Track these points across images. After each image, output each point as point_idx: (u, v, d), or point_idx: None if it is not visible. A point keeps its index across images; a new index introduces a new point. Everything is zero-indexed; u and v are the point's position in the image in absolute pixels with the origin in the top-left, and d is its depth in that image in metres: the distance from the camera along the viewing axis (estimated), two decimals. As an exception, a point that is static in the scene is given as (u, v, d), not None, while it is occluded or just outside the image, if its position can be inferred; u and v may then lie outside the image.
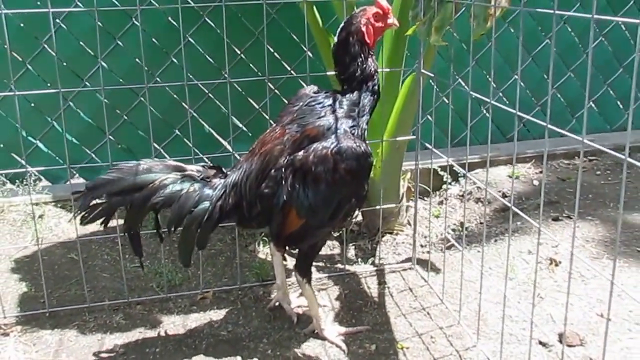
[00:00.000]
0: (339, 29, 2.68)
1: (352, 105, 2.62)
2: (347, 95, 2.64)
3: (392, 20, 2.70)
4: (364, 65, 2.64)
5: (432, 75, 3.20)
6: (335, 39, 2.69)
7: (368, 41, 2.64)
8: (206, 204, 2.61)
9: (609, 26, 4.91)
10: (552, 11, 2.08)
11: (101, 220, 2.62)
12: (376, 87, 2.68)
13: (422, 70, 3.17)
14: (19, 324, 2.97)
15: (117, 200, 2.58)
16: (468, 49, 3.93)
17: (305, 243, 2.72)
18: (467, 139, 3.00)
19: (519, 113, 2.33)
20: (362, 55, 2.63)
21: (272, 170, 2.59)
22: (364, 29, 2.63)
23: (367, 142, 2.77)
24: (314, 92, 2.74)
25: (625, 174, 1.87)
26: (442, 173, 4.16)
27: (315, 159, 2.48)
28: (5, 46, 3.04)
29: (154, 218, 2.72)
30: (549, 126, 2.14)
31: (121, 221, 2.71)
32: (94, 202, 2.59)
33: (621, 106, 5.22)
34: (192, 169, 2.70)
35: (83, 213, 2.59)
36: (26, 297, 3.17)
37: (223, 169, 2.77)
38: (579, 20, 4.81)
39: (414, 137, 3.36)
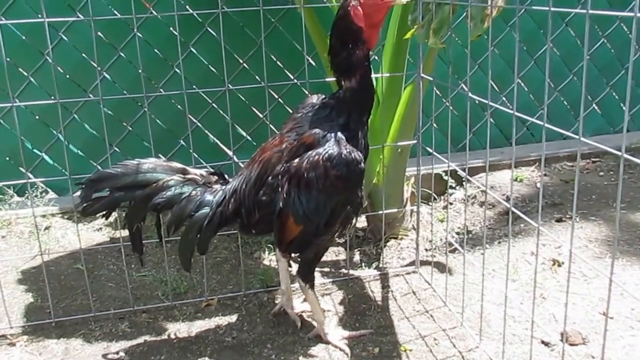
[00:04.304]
0: None
1: (345, 108, 2.59)
2: (342, 97, 2.60)
3: None
4: (352, 54, 2.53)
5: (431, 79, 3.21)
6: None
7: (359, 24, 2.51)
8: (206, 209, 2.64)
9: (611, 28, 4.92)
10: (547, 8, 2.08)
11: (103, 213, 2.66)
12: (365, 81, 2.59)
13: (422, 75, 3.18)
14: (25, 333, 2.99)
15: (120, 195, 2.62)
16: (471, 56, 3.95)
17: (309, 251, 2.73)
18: (467, 144, 3.01)
19: (516, 113, 2.33)
20: (352, 42, 2.52)
21: (270, 178, 2.62)
22: (351, 11, 2.50)
23: (370, 146, 2.79)
24: (321, 100, 2.72)
25: (622, 170, 1.87)
26: (446, 178, 4.17)
27: (307, 166, 2.49)
28: (8, 59, 3.06)
29: (156, 218, 2.76)
30: (547, 125, 2.15)
31: (125, 232, 2.74)
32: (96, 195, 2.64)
33: (624, 108, 5.22)
34: (195, 172, 2.74)
35: (85, 204, 2.62)
36: (32, 307, 3.19)
37: (225, 176, 2.80)
38: (581, 23, 4.82)
39: (415, 141, 3.37)
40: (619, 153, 1.79)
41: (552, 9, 2.07)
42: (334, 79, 2.67)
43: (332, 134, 2.54)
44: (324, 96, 2.75)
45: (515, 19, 4.53)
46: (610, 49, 5.04)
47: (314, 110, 2.67)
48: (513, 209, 2.49)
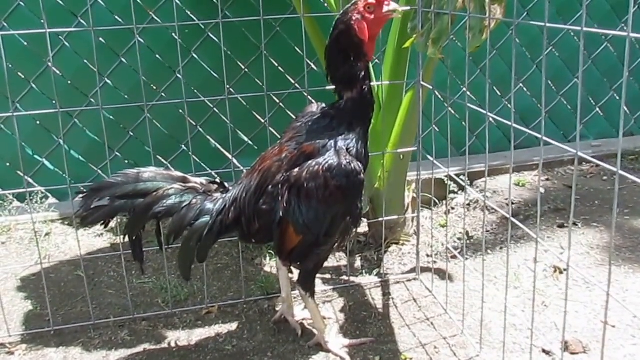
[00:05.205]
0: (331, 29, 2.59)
1: (346, 118, 2.59)
2: (342, 108, 2.60)
3: (389, 7, 2.54)
4: (354, 67, 2.54)
5: (431, 87, 3.20)
6: (328, 39, 2.61)
7: (362, 38, 2.52)
8: (207, 217, 2.63)
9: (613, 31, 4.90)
10: (543, 24, 2.08)
11: (102, 222, 2.65)
12: (366, 92, 2.60)
13: (422, 83, 3.18)
14: (24, 342, 2.98)
15: (120, 204, 2.60)
16: (472, 59, 3.91)
17: (309, 260, 2.72)
18: (467, 150, 3.00)
19: (514, 125, 2.33)
20: (354, 56, 2.54)
21: (270, 187, 2.61)
22: (355, 25, 2.51)
23: (371, 152, 2.78)
24: (321, 109, 2.72)
25: (617, 187, 1.86)
26: (447, 183, 4.17)
27: (307, 176, 2.48)
28: (9, 65, 3.06)
29: (156, 226, 2.74)
30: (545, 138, 2.15)
31: (126, 238, 2.73)
32: (96, 203, 2.62)
33: (628, 111, 5.21)
34: (196, 181, 2.72)
35: (85, 213, 2.61)
36: (32, 315, 3.19)
37: (225, 184, 2.79)
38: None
39: (415, 148, 3.36)
40: (615, 169, 1.79)
41: (548, 24, 2.07)
42: (333, 87, 2.66)
43: (332, 144, 2.54)
44: (324, 105, 2.74)
45: (516, 24, 4.53)
46: (613, 51, 5.02)
47: (313, 119, 2.67)
48: (513, 219, 2.48)
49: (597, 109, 5.13)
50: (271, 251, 3.66)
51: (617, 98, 5.14)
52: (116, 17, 4.00)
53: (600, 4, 4.84)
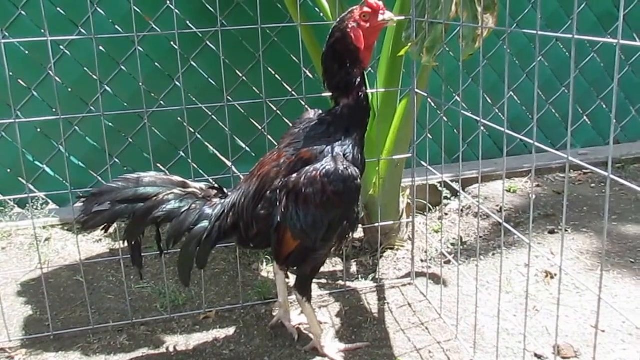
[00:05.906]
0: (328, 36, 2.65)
1: (342, 124, 2.63)
2: (339, 114, 2.64)
3: (384, 16, 2.60)
4: (350, 73, 2.60)
5: (426, 95, 3.26)
6: (324, 46, 2.66)
7: (358, 45, 2.59)
8: (205, 222, 2.66)
9: (600, 42, 4.97)
10: (535, 31, 2.14)
11: (102, 227, 2.68)
12: (362, 99, 2.65)
13: (417, 90, 3.23)
14: (24, 347, 3.00)
15: (120, 208, 2.63)
16: (464, 67, 3.96)
17: (306, 265, 2.75)
18: (460, 156, 3.05)
19: (507, 131, 2.38)
20: (350, 63, 2.60)
21: (268, 192, 2.65)
22: (351, 33, 2.57)
23: (366, 159, 2.82)
24: (318, 116, 2.76)
25: (608, 191, 1.92)
26: (441, 189, 4.22)
27: (305, 181, 2.52)
28: (11, 74, 3.09)
29: (155, 231, 2.76)
30: (537, 144, 2.20)
31: (125, 243, 2.76)
32: (97, 208, 2.64)
33: (614, 120, 5.27)
34: (195, 186, 2.76)
35: (85, 217, 2.64)
36: (31, 320, 3.21)
37: (224, 190, 2.83)
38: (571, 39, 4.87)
39: (410, 155, 3.41)
40: (605, 173, 1.84)
41: (540, 32, 2.13)
42: (330, 93, 2.71)
43: (330, 150, 2.58)
44: (320, 111, 2.79)
45: (507, 34, 4.60)
46: (600, 62, 5.10)
47: (311, 126, 2.71)
48: (505, 224, 2.53)
49: (585, 118, 5.20)
50: (268, 256, 3.70)
51: (604, 107, 5.21)
52: (116, 26, 4.05)
53: (586, 17, 4.92)
